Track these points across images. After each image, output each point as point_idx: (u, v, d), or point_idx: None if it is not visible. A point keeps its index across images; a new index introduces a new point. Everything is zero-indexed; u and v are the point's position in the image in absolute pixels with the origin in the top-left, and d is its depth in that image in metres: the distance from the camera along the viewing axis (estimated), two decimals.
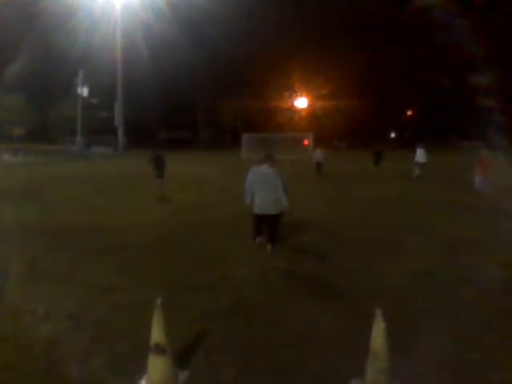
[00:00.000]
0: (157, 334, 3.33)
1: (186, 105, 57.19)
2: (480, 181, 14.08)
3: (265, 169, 7.03)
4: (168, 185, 14.05)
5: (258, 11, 46.21)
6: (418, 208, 11.59)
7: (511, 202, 10.83)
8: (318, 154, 21.10)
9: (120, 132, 46.50)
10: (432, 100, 49.11)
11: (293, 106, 58.35)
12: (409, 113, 60.40)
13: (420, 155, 19.44)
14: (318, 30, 48.45)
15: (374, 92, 49.87)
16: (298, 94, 57.79)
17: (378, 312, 3.22)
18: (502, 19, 38.63)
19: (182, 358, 3.76)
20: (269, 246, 7.18)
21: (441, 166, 22.84)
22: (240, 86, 51.91)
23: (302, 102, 58.35)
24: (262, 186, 6.89)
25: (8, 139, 43.39)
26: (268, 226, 7.12)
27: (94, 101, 51.72)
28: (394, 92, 51.06)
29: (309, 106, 58.08)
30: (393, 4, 44.32)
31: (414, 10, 39.57)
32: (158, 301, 3.38)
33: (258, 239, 7.15)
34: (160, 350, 3.31)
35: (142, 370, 3.47)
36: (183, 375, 3.55)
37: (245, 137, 37.03)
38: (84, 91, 43.70)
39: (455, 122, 43.21)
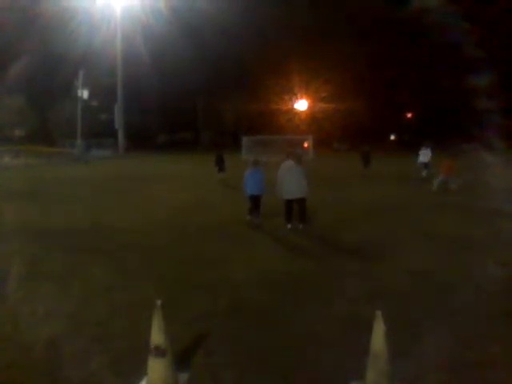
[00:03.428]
0: (157, 336, 3.32)
1: (187, 107, 57.24)
2: (439, 179, 15.06)
3: (291, 163, 8.94)
4: (169, 186, 14.07)
5: (258, 14, 46.30)
6: (417, 209, 11.59)
7: (509, 203, 10.84)
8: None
9: (120, 134, 46.49)
10: (432, 102, 49.13)
11: (293, 108, 58.38)
12: (408, 115, 60.46)
13: (422, 155, 19.71)
14: (317, 33, 48.53)
15: (373, 94, 49.91)
16: (298, 96, 57.83)
17: (378, 314, 3.21)
18: (501, 20, 38.70)
19: (181, 359, 3.75)
20: (300, 225, 8.87)
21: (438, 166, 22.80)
22: (240, 89, 51.96)
23: (301, 105, 58.39)
24: (289, 177, 8.74)
25: (8, 141, 43.29)
26: (298, 207, 8.89)
27: (94, 103, 51.68)
28: (394, 94, 51.12)
29: (309, 108, 58.12)
30: (392, 5, 44.39)
31: (414, 11, 39.66)
32: (158, 302, 3.38)
33: (289, 226, 8.92)
34: (160, 352, 3.30)
35: (141, 371, 3.46)
36: (183, 377, 3.54)
37: (245, 139, 37.03)
38: (84, 93, 43.65)
39: (455, 125, 43.22)
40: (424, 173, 19.24)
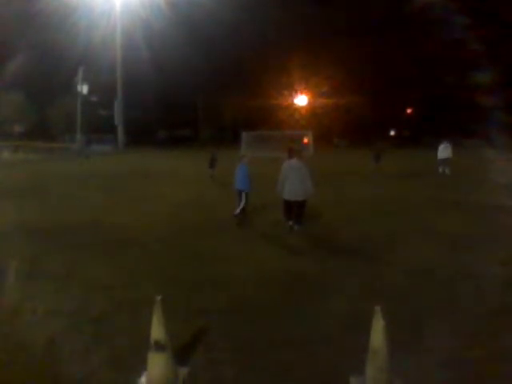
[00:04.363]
0: (157, 331, 3.33)
1: (186, 103, 57.03)
2: None
3: (294, 162, 8.52)
4: (168, 183, 14.06)
5: (258, 9, 46.13)
6: (418, 206, 11.58)
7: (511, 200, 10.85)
8: None
9: (120, 130, 46.43)
10: (432, 98, 49.01)
11: (293, 103, 58.22)
12: (409, 111, 60.27)
13: (442, 151, 19.07)
14: (317, 28, 48.36)
15: (373, 90, 49.76)
16: (298, 91, 57.68)
17: (378, 309, 3.22)
18: (503, 16, 38.55)
19: (181, 354, 3.76)
20: (296, 226, 8.48)
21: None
22: (240, 84, 51.78)
23: (301, 100, 58.24)
24: (291, 177, 8.32)
25: (8, 137, 43.30)
26: (295, 210, 8.43)
27: (94, 98, 51.47)
28: (394, 90, 50.94)
29: (308, 103, 57.95)
30: (393, 1, 44.22)
31: (415, 7, 39.49)
32: (158, 298, 3.38)
33: (290, 223, 8.55)
34: (160, 347, 3.31)
35: (141, 366, 3.47)
36: (183, 372, 3.56)
37: (245, 135, 36.94)
38: (84, 89, 43.55)
39: (456, 120, 43.12)
40: (441, 169, 18.74)
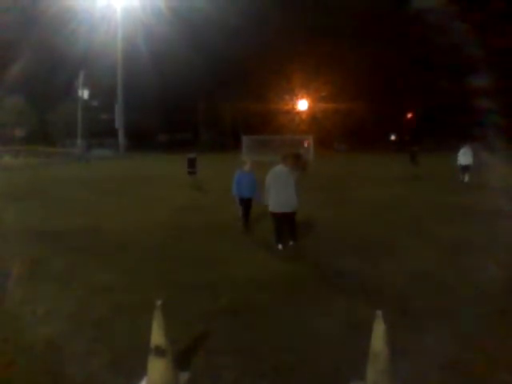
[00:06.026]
0: (157, 336, 3.32)
1: (187, 107, 57.18)
2: None
3: (280, 169, 7.40)
4: (168, 187, 14.07)
5: (259, 13, 46.31)
6: (419, 209, 11.58)
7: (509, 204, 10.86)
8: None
9: (120, 134, 46.55)
10: (432, 102, 49.10)
11: (293, 108, 58.40)
12: (409, 115, 60.36)
13: (462, 156, 17.30)
14: (318, 32, 48.51)
15: (374, 94, 49.86)
16: (299, 96, 57.84)
17: (379, 313, 3.21)
18: (501, 20, 38.72)
19: (182, 359, 3.75)
20: (291, 242, 7.52)
21: (441, 167, 22.80)
22: (240, 88, 51.91)
23: (302, 104, 58.43)
24: (277, 186, 7.25)
25: (8, 141, 43.42)
26: (287, 224, 7.44)
27: (95, 103, 51.75)
28: (395, 94, 51.05)
29: (309, 108, 58.12)
30: (393, 6, 44.40)
31: (414, 11, 39.65)
32: (158, 302, 3.38)
33: (279, 246, 7.46)
34: (160, 351, 3.30)
35: (142, 370, 3.46)
36: (183, 377, 3.55)
37: (245, 139, 36.96)
38: (84, 93, 43.75)
39: (455, 124, 43.14)
40: (464, 177, 16.89)
